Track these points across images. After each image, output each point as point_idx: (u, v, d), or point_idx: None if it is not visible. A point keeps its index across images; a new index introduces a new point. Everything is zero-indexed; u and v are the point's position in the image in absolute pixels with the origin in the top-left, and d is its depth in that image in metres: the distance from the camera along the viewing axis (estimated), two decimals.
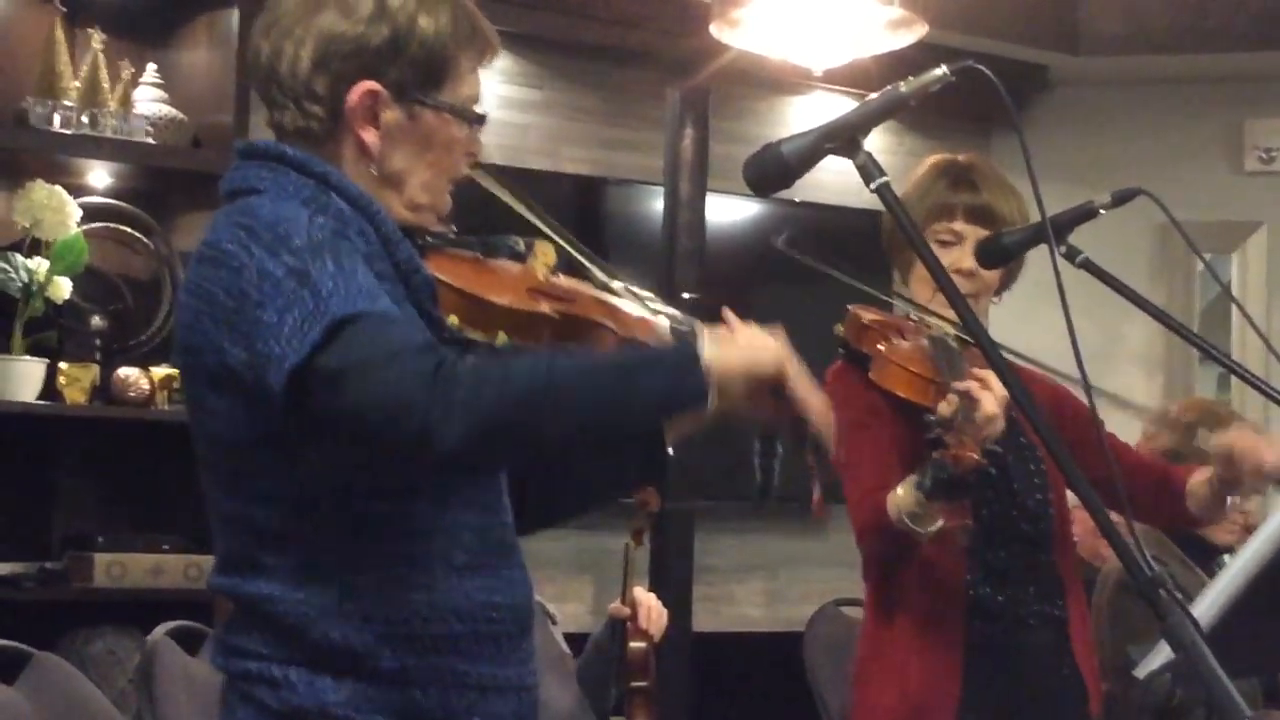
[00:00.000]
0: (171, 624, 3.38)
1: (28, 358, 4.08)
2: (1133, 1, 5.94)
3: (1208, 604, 1.96)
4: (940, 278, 1.92)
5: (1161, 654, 1.89)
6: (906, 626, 2.84)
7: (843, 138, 1.91)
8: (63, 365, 4.14)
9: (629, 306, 2.18)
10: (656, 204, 5.38)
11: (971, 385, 2.60)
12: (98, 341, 4.27)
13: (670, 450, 2.23)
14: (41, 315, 4.10)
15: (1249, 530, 3.50)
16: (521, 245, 2.18)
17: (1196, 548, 3.75)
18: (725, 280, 5.42)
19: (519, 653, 1.97)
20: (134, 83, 4.34)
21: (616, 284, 2.20)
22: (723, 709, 5.50)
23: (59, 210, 4.07)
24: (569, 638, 3.94)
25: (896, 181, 1.93)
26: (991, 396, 2.59)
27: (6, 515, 4.27)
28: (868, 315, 2.85)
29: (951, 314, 2.65)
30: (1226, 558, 3.51)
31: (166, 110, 4.32)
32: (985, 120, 6.06)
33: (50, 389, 4.13)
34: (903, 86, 1.93)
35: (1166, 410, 4.13)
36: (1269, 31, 5.86)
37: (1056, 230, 2.64)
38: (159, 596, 4.10)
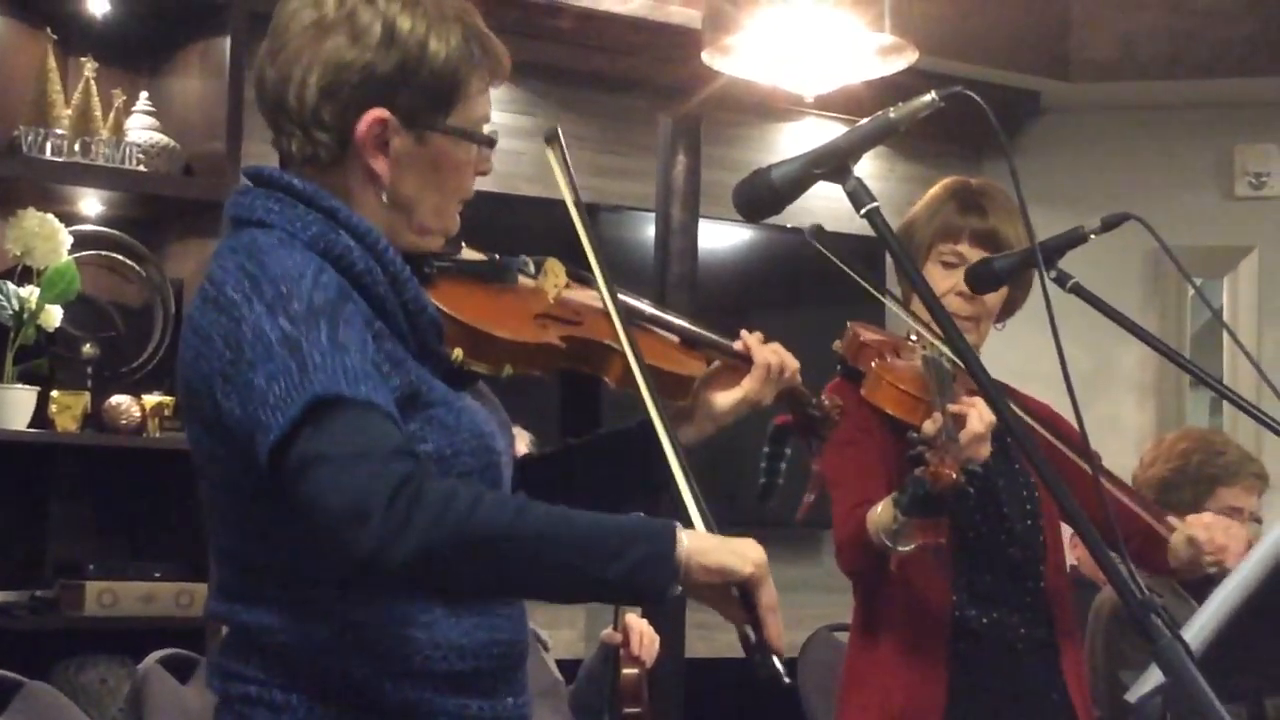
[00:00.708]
0: (163, 652, 3.38)
1: (19, 385, 4.08)
2: (1124, 28, 5.96)
3: (1199, 628, 1.96)
4: (932, 304, 1.92)
5: (1153, 678, 1.89)
6: (891, 647, 2.84)
7: (832, 163, 1.91)
8: (54, 393, 4.14)
9: (642, 326, 2.17)
10: (649, 230, 5.39)
11: (960, 407, 2.60)
12: (89, 369, 4.27)
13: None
14: (33, 343, 4.10)
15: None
16: (531, 265, 2.16)
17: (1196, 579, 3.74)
18: (717, 306, 5.42)
19: (514, 685, 1.97)
20: (126, 110, 4.35)
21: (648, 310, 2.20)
22: None
23: (50, 238, 4.07)
24: (561, 664, 3.93)
25: (888, 207, 1.93)
26: (978, 419, 2.59)
27: None
28: (866, 333, 2.86)
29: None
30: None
31: (158, 138, 4.32)
32: (977, 146, 6.08)
33: (41, 417, 4.12)
34: (892, 112, 1.93)
35: (1161, 439, 4.14)
36: (1259, 58, 5.88)
37: (1047, 255, 2.65)
38: (151, 624, 4.09)
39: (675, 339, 2.26)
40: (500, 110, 5.32)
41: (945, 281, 2.93)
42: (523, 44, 5.09)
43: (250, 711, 1.88)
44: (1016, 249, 2.90)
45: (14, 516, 4.31)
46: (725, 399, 2.27)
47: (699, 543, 1.76)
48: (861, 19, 4.20)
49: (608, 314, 2.09)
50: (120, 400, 4.21)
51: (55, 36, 4.30)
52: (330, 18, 1.91)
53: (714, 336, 2.29)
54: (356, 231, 1.90)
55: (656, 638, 3.96)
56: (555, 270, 2.16)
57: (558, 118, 5.46)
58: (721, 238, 5.64)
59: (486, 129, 2.00)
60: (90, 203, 4.35)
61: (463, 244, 2.11)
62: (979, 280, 2.85)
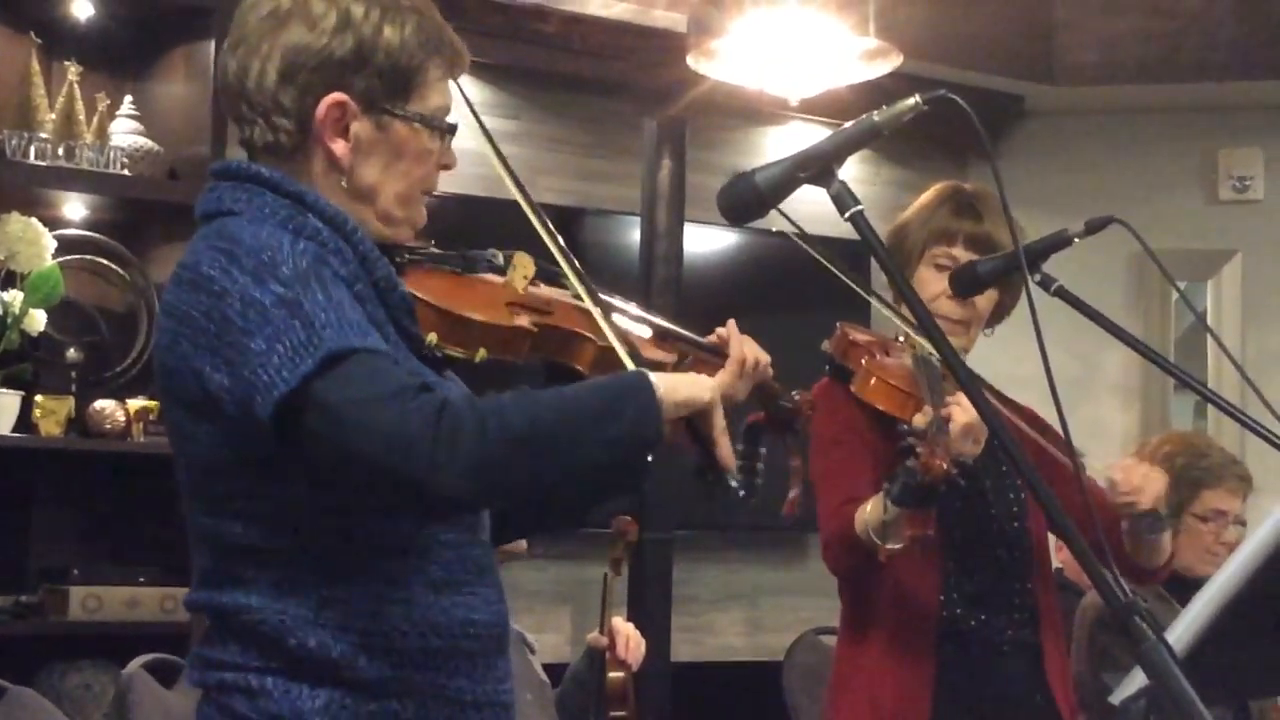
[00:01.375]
0: (147, 657, 3.37)
1: (3, 390, 4.07)
2: (1108, 32, 5.97)
3: (1182, 630, 1.96)
4: (915, 306, 1.92)
5: (1136, 680, 1.89)
6: (878, 647, 2.85)
7: (817, 167, 1.91)
8: (38, 398, 4.13)
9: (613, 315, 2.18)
10: (634, 234, 5.39)
11: (953, 404, 2.61)
12: (73, 374, 4.26)
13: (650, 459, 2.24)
14: (17, 347, 4.09)
15: None
16: (500, 258, 2.18)
17: (1175, 581, 3.75)
18: (702, 309, 5.40)
19: (495, 670, 1.98)
20: (110, 115, 4.34)
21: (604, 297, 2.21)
22: None
23: (34, 242, 4.06)
24: (548, 668, 3.93)
25: (873, 211, 1.94)
26: (970, 414, 2.60)
27: None
28: (855, 333, 2.88)
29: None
30: None
31: (143, 142, 4.32)
32: (961, 150, 6.09)
33: (25, 421, 4.11)
34: (876, 116, 1.94)
35: (1146, 442, 4.15)
36: (1243, 62, 5.90)
37: (1031, 259, 2.66)
38: (135, 629, 4.08)
39: (647, 331, 2.28)
40: (485, 114, 5.30)
41: (938, 285, 2.93)
42: (507, 47, 5.10)
43: (227, 698, 1.89)
44: (1004, 254, 2.90)
45: None
46: None
47: (666, 381, 1.86)
48: (846, 23, 4.21)
49: (577, 303, 2.12)
50: (104, 405, 4.21)
51: (39, 40, 4.29)
52: (286, 8, 1.96)
53: (687, 332, 2.31)
54: (324, 215, 1.93)
55: (643, 641, 3.96)
56: (524, 263, 2.19)
57: (542, 121, 5.46)
58: (706, 241, 5.65)
59: (448, 121, 2.03)
60: (74, 207, 4.34)
61: (432, 242, 2.13)
62: (963, 283, 2.85)
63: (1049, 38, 6.00)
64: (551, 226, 2.15)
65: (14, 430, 4.08)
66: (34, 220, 4.09)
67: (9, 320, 4.04)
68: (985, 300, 2.95)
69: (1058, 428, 2.34)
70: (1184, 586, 3.76)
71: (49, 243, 4.11)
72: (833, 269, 2.80)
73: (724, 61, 4.42)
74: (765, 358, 2.32)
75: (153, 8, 4.43)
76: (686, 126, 5.37)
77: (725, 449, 1.90)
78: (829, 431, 2.82)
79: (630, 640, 3.91)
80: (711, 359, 2.29)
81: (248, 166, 1.97)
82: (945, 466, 2.45)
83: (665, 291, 5.25)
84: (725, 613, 5.76)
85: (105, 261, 4.38)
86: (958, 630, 2.84)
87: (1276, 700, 3.82)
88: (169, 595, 4.16)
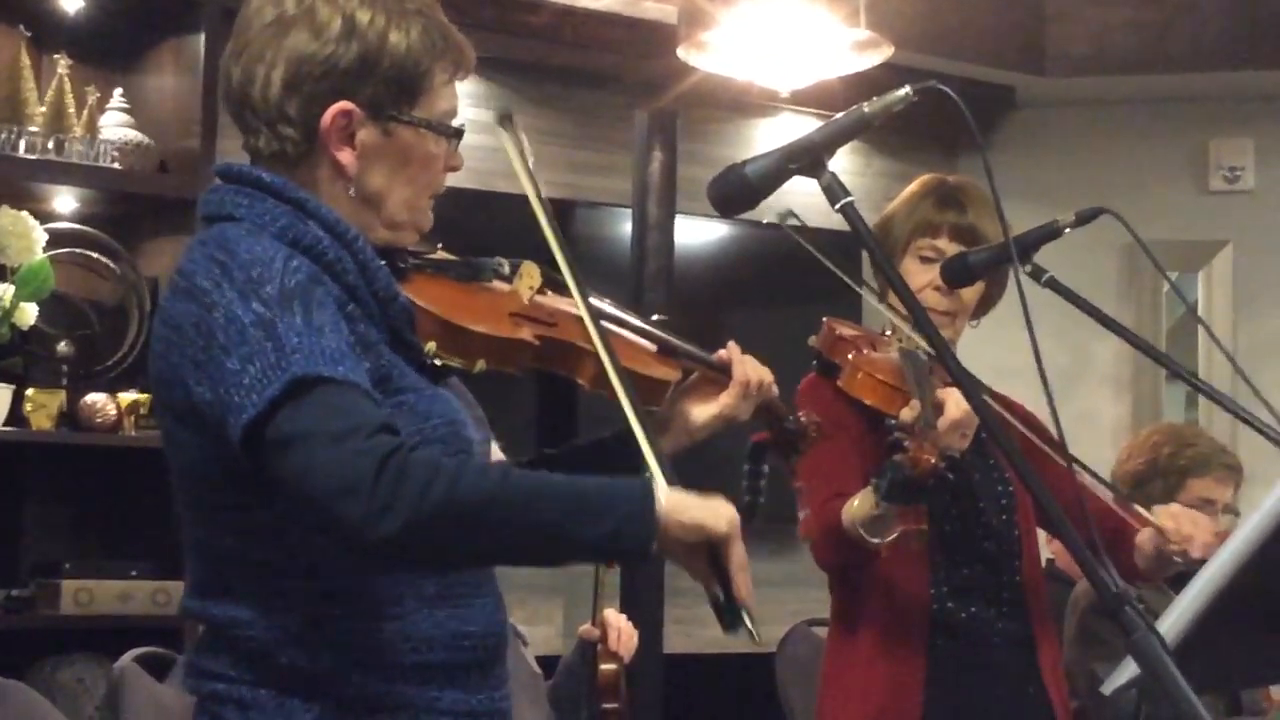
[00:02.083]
0: (139, 650, 3.36)
1: None
2: (1098, 23, 5.97)
3: (1173, 619, 1.96)
4: (906, 297, 1.92)
5: (1127, 670, 1.90)
6: (869, 641, 2.85)
7: (807, 158, 1.91)
8: (29, 391, 4.13)
9: (613, 330, 2.17)
10: (625, 226, 5.39)
11: (940, 396, 2.61)
12: (64, 367, 4.26)
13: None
14: (7, 341, 4.09)
15: None
16: (506, 267, 2.16)
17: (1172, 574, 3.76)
18: (694, 302, 5.42)
19: (491, 679, 1.96)
20: (100, 108, 4.33)
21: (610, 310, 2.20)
22: None
23: (24, 236, 4.06)
24: (540, 660, 3.93)
25: (864, 202, 1.94)
26: (957, 407, 2.60)
27: None
28: (842, 327, 2.88)
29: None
30: None
31: (133, 135, 4.31)
32: (952, 141, 6.09)
33: (16, 415, 4.11)
34: (866, 107, 1.94)
35: (1139, 434, 4.15)
36: (1233, 52, 5.90)
37: (1022, 250, 2.66)
38: (127, 623, 4.08)
39: (651, 346, 2.27)
40: (474, 106, 5.31)
41: (923, 277, 2.93)
42: (498, 40, 5.09)
43: (221, 710, 1.88)
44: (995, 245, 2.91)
45: None
46: (702, 412, 2.29)
47: (676, 500, 1.79)
48: (836, 14, 4.21)
49: (580, 315, 2.09)
50: (96, 398, 4.20)
51: (29, 33, 4.28)
52: (290, 14, 1.93)
53: (692, 347, 2.30)
54: (325, 222, 1.91)
55: (635, 633, 3.96)
56: (530, 272, 2.17)
57: (533, 114, 5.45)
58: (698, 233, 5.64)
59: (455, 124, 2.01)
60: (64, 200, 4.33)
61: (439, 246, 2.12)
62: (954, 274, 2.85)
63: (1039, 29, 6.00)
64: (569, 256, 2.12)
65: (5, 424, 4.08)
66: (24, 214, 4.08)
67: (0, 314, 4.04)
68: (972, 292, 2.95)
69: (1048, 420, 2.35)
70: (1180, 576, 3.76)
71: (39, 236, 4.10)
72: (827, 263, 2.80)
73: (714, 53, 4.41)
74: (769, 377, 2.31)
75: (142, 0, 4.42)
76: (677, 118, 5.37)
77: (745, 586, 1.82)
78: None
79: (622, 632, 3.91)
80: (716, 376, 2.28)
81: (251, 171, 1.95)
82: (933, 461, 2.44)
83: (656, 284, 5.25)
84: None
85: (96, 255, 4.38)
86: (948, 623, 2.84)
87: (1268, 689, 3.83)
88: (161, 589, 4.16)
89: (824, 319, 2.90)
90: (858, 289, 2.93)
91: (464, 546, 1.74)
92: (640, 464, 2.10)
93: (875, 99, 1.94)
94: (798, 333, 2.92)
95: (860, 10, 4.22)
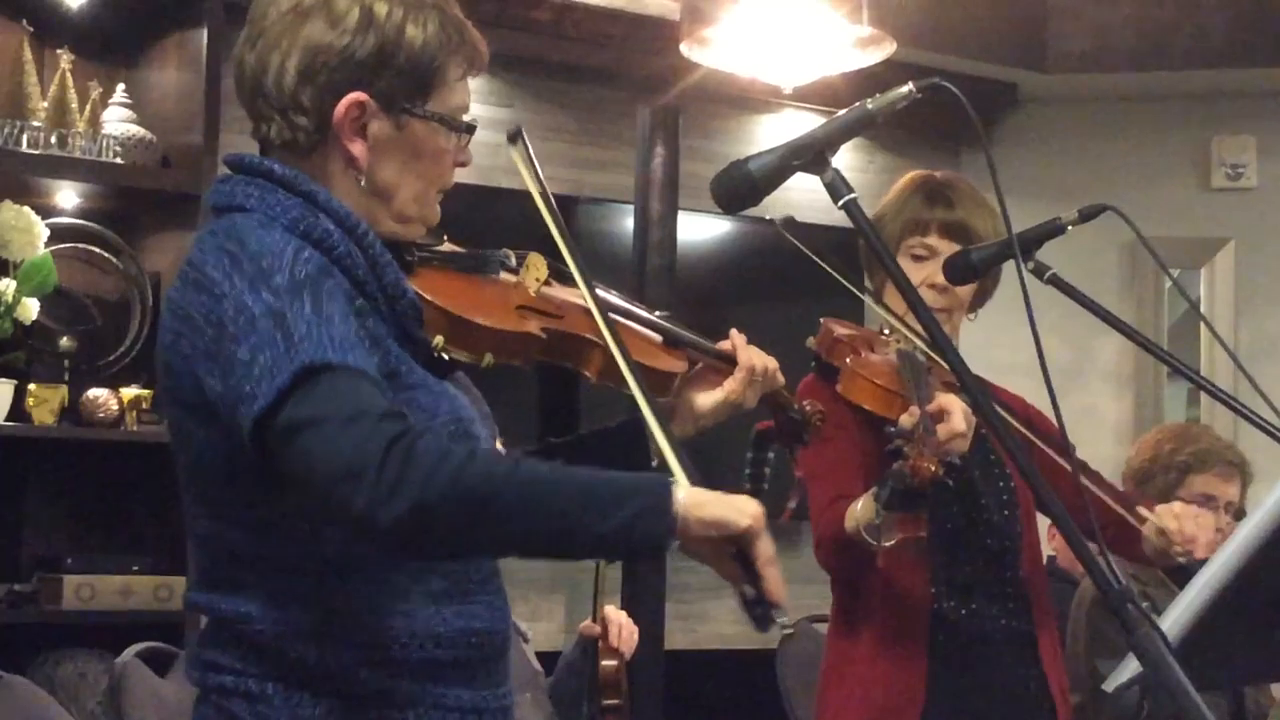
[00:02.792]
0: (141, 645, 3.37)
1: None
2: (1101, 19, 5.97)
3: (1175, 617, 1.96)
4: (910, 295, 1.92)
5: (1130, 667, 1.90)
6: (870, 639, 2.85)
7: (810, 154, 1.91)
8: (31, 386, 4.13)
9: (621, 322, 2.17)
10: (627, 222, 5.39)
11: (939, 402, 2.61)
12: (66, 362, 4.26)
13: (655, 465, 2.24)
14: (10, 336, 4.09)
15: None
16: (513, 259, 2.17)
17: (1180, 567, 3.75)
18: (696, 298, 5.42)
19: (494, 676, 1.96)
20: (102, 103, 4.33)
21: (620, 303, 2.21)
22: None
23: (27, 231, 4.06)
24: (541, 656, 3.94)
25: (867, 199, 1.94)
26: (957, 413, 2.60)
27: None
28: (839, 328, 2.87)
29: None
30: None
31: (135, 130, 4.31)
32: (955, 138, 6.09)
33: (18, 410, 4.11)
34: (869, 103, 1.94)
35: (1145, 435, 4.16)
36: (1236, 49, 5.90)
37: (1024, 247, 2.65)
38: (129, 618, 4.08)
39: (658, 338, 2.27)
40: (477, 102, 5.27)
41: (915, 275, 2.92)
42: (500, 36, 5.08)
43: (227, 702, 1.88)
44: (986, 240, 2.90)
45: None
46: (707, 399, 2.29)
47: (696, 496, 1.76)
48: (839, 11, 4.20)
49: (587, 307, 2.10)
50: (98, 393, 4.20)
51: (31, 28, 4.28)
52: (307, 3, 1.93)
53: (697, 337, 2.30)
54: (336, 215, 1.91)
55: (635, 629, 3.96)
56: (537, 264, 2.17)
57: (535, 110, 5.45)
58: (700, 230, 5.64)
59: (466, 120, 2.01)
60: (67, 195, 4.33)
61: (444, 238, 2.12)
62: (956, 272, 2.85)
63: (1042, 25, 6.00)
64: (565, 229, 2.13)
65: (7, 419, 4.08)
66: (26, 209, 4.09)
67: (1, 309, 4.04)
68: (965, 288, 2.95)
69: (1050, 415, 2.35)
70: (1180, 571, 3.76)
71: (42, 231, 4.11)
72: (819, 261, 2.79)
73: (717, 49, 4.41)
74: (774, 365, 2.31)
75: None
76: (680, 114, 5.37)
77: (775, 582, 1.79)
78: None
79: (623, 628, 3.91)
80: (721, 365, 2.28)
81: (261, 162, 1.95)
82: (933, 469, 2.44)
83: (659, 280, 5.24)
84: (719, 600, 5.76)
85: (98, 250, 4.38)
86: (949, 621, 2.84)
87: (1270, 687, 3.83)
88: (163, 584, 4.16)
89: (821, 319, 2.89)
90: (860, 294, 2.92)
91: (472, 534, 1.72)
92: (649, 451, 2.12)
93: (878, 95, 1.94)
94: (800, 328, 2.92)
95: (863, 7, 4.22)
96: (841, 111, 1.96)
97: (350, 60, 1.92)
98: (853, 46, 4.38)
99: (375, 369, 1.81)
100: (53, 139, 4.16)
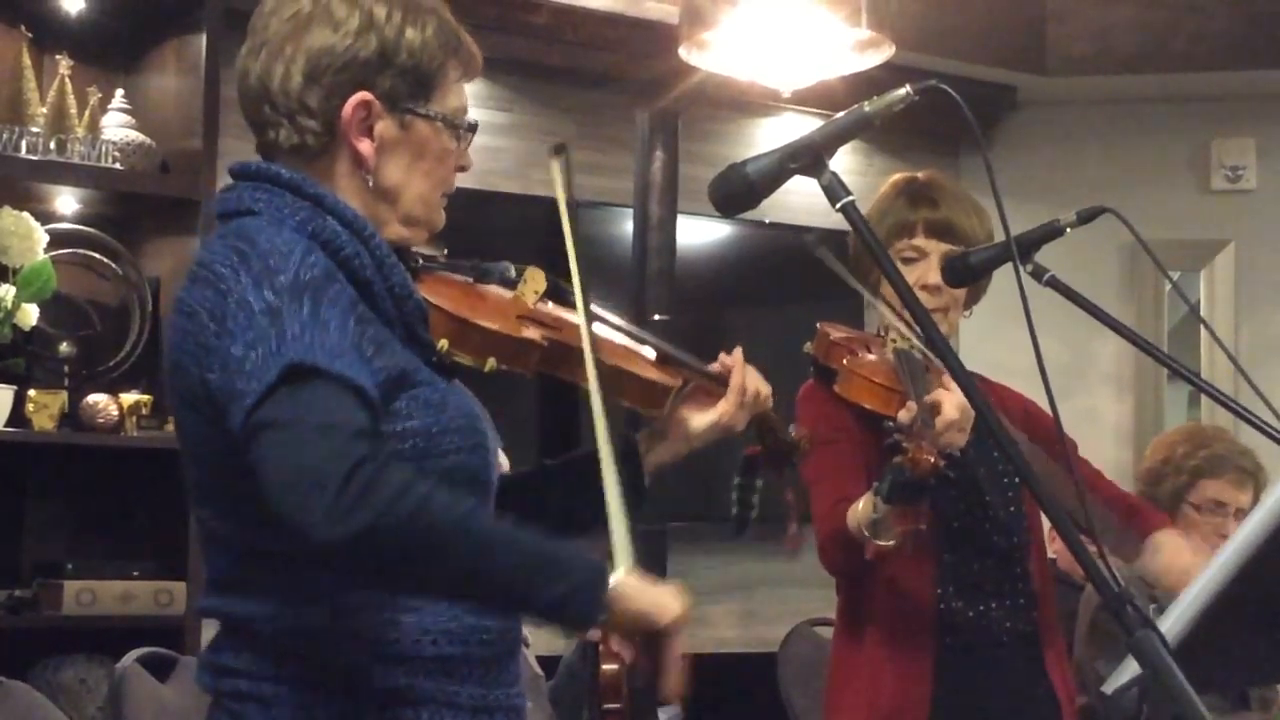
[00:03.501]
0: (141, 651, 3.37)
1: None
2: (1100, 22, 5.97)
3: (1175, 618, 1.96)
4: (907, 297, 1.92)
5: (1129, 669, 1.90)
6: (876, 641, 2.85)
7: (807, 157, 1.91)
8: (31, 392, 4.13)
9: (617, 338, 2.20)
10: (626, 226, 5.38)
11: (935, 395, 2.61)
12: (66, 368, 4.26)
13: (648, 482, 2.26)
14: (9, 342, 4.09)
15: None
16: (512, 271, 2.20)
17: None
18: (695, 302, 5.42)
19: (507, 675, 1.98)
20: (102, 108, 4.33)
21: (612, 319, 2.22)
22: None
23: (26, 236, 4.06)
24: (542, 660, 3.94)
25: (866, 202, 1.94)
26: (953, 405, 2.60)
27: None
28: (836, 332, 2.88)
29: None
30: None
31: (134, 136, 4.31)
32: (954, 140, 6.09)
33: (18, 416, 4.11)
34: (866, 106, 1.94)
35: (1159, 436, 4.15)
36: (1235, 51, 5.90)
37: (1023, 249, 2.65)
38: (129, 623, 4.08)
39: (652, 354, 2.29)
40: (476, 106, 5.28)
41: (908, 277, 2.92)
42: (499, 39, 5.10)
43: (241, 707, 1.89)
44: (972, 237, 2.91)
45: None
46: (699, 420, 2.31)
47: (627, 586, 1.82)
48: (838, 14, 4.20)
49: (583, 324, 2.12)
50: (97, 399, 4.20)
51: (30, 34, 4.28)
52: (308, 11, 1.97)
53: (690, 357, 2.32)
54: (343, 218, 1.93)
55: None
56: (535, 278, 2.21)
57: (534, 114, 5.46)
58: (699, 233, 5.64)
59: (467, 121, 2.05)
60: (66, 201, 4.33)
61: (445, 251, 2.15)
62: (955, 273, 2.85)
63: (1041, 28, 6.00)
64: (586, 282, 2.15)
65: (7, 424, 4.08)
66: (26, 215, 4.09)
67: (1, 314, 4.04)
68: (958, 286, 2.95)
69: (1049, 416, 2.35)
70: None
71: (41, 237, 4.11)
72: (858, 286, 2.80)
73: (716, 53, 4.41)
74: (766, 389, 2.32)
75: (144, 1, 4.42)
76: (679, 118, 5.36)
77: (673, 680, 1.86)
78: (818, 433, 2.81)
79: None
80: (712, 386, 2.30)
81: (267, 167, 1.97)
82: (933, 461, 2.45)
83: (658, 284, 5.24)
84: (719, 604, 5.76)
85: (98, 255, 4.38)
86: (955, 621, 2.84)
87: (1275, 687, 3.82)
88: (163, 589, 4.16)
89: (818, 324, 2.90)
90: (875, 303, 2.92)
91: (412, 570, 1.73)
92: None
93: (876, 98, 1.94)
94: (799, 332, 2.92)
95: (861, 10, 4.21)
96: (839, 114, 1.96)
97: (354, 61, 1.95)
98: (851, 50, 4.37)
99: (377, 378, 1.82)
100: (52, 145, 4.16)
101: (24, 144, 4.11)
